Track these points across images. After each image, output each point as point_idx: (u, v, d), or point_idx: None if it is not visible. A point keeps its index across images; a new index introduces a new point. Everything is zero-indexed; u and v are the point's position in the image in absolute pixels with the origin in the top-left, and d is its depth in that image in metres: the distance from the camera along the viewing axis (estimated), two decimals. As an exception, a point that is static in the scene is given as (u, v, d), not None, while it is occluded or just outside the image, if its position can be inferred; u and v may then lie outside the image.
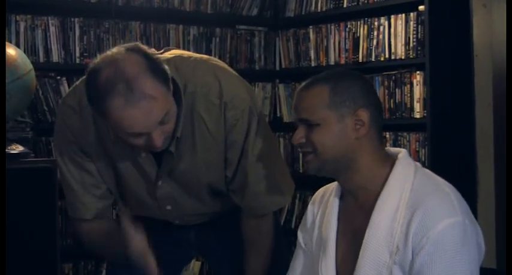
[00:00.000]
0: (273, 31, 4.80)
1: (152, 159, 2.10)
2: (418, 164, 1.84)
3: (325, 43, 4.47)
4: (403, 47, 4.01)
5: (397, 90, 4.05)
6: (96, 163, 2.15)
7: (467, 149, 3.88)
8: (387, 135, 4.05)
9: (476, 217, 1.83)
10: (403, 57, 4.02)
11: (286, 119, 4.74)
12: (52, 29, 3.90)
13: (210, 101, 2.06)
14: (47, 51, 3.90)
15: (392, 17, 4.07)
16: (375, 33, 4.17)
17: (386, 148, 1.86)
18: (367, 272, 1.74)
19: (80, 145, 2.12)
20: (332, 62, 4.42)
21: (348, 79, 1.81)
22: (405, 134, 4.02)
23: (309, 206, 2.01)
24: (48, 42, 3.90)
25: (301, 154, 1.83)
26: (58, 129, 2.16)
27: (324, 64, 4.46)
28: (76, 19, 3.98)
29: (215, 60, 2.18)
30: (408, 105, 4.00)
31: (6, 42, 3.21)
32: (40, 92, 3.80)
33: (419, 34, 3.93)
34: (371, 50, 4.19)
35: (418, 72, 3.95)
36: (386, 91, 4.08)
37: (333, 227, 1.87)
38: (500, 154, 3.73)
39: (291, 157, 4.68)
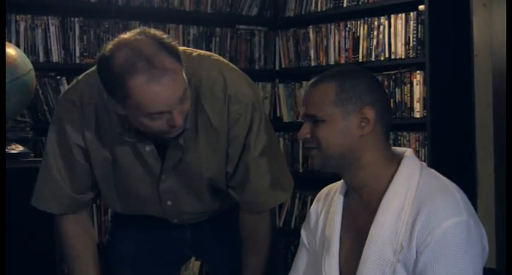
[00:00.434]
0: (273, 31, 4.80)
1: (156, 153, 2.10)
2: (424, 163, 1.85)
3: (325, 43, 4.47)
4: (403, 47, 4.02)
5: (397, 89, 4.05)
6: (94, 159, 2.14)
7: (467, 149, 3.88)
8: (387, 135, 4.04)
9: (476, 216, 1.83)
10: (403, 57, 4.02)
11: (286, 118, 4.75)
12: (52, 28, 3.90)
13: (215, 94, 2.07)
14: (47, 51, 3.90)
15: (392, 17, 4.07)
16: (375, 32, 4.17)
17: (392, 147, 1.87)
18: (370, 270, 1.75)
19: (76, 139, 2.12)
20: (332, 62, 4.43)
21: (355, 77, 1.82)
22: (405, 133, 4.02)
23: (313, 204, 2.02)
24: (48, 42, 3.90)
25: (305, 150, 1.84)
26: (56, 121, 2.16)
27: (324, 64, 4.46)
28: (76, 19, 3.98)
29: (217, 56, 2.20)
30: (408, 105, 4.00)
31: (6, 42, 3.20)
32: (40, 92, 3.80)
33: (419, 34, 3.93)
34: (371, 49, 4.19)
35: (418, 72, 3.95)
36: (386, 91, 4.08)
37: (337, 225, 1.88)
38: (500, 154, 3.73)
39: (291, 156, 4.68)
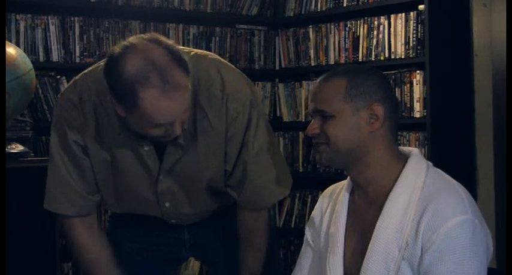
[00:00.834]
0: (273, 30, 4.80)
1: (154, 152, 2.11)
2: (430, 163, 1.86)
3: (325, 42, 4.47)
4: (402, 47, 4.02)
5: (396, 89, 4.04)
6: (93, 158, 2.14)
7: (467, 149, 3.89)
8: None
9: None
10: (402, 57, 4.02)
11: (285, 118, 4.74)
12: (52, 28, 3.90)
13: (213, 94, 2.07)
14: (47, 51, 3.90)
15: (392, 17, 4.07)
16: (375, 32, 4.17)
17: (399, 147, 1.88)
18: (375, 266, 1.75)
19: (78, 139, 2.12)
20: (332, 62, 4.42)
21: (365, 74, 1.84)
22: (405, 133, 4.02)
23: (318, 202, 2.03)
24: (48, 41, 3.89)
25: (313, 146, 1.84)
26: (56, 122, 2.16)
27: (324, 63, 4.46)
28: (76, 18, 3.98)
29: (214, 55, 2.20)
30: (408, 105, 4.00)
31: (6, 42, 3.20)
32: (40, 92, 3.80)
33: (419, 33, 3.93)
34: (371, 49, 4.19)
35: (418, 71, 3.95)
36: (387, 91, 4.08)
37: (342, 222, 1.89)
38: (500, 154, 3.73)
39: (291, 156, 4.68)
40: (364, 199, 1.86)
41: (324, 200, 2.01)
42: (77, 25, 3.98)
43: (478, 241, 1.70)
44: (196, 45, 4.41)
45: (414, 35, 3.95)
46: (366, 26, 4.23)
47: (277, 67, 4.82)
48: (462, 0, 3.86)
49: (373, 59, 4.17)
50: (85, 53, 3.99)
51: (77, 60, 3.97)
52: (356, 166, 1.83)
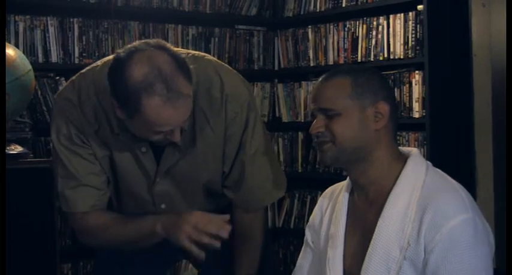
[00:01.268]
0: (272, 31, 4.80)
1: (151, 154, 2.11)
2: (430, 163, 1.87)
3: (324, 43, 4.48)
4: (401, 47, 4.02)
5: (396, 89, 4.04)
6: (96, 155, 2.13)
7: (466, 149, 3.89)
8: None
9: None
10: (401, 57, 4.02)
11: (285, 118, 4.74)
12: (51, 29, 3.90)
13: (212, 95, 2.08)
14: (46, 52, 3.89)
15: (391, 17, 4.07)
16: (374, 32, 4.17)
17: (399, 147, 1.89)
18: (376, 266, 1.76)
19: (80, 136, 2.11)
20: (331, 62, 4.43)
21: (367, 73, 1.85)
22: (404, 133, 4.02)
23: (318, 203, 2.04)
24: (47, 42, 3.89)
25: (317, 144, 1.84)
26: (57, 121, 2.14)
27: (323, 64, 4.47)
28: (75, 19, 3.98)
29: (210, 56, 2.21)
30: (407, 105, 4.00)
31: (6, 43, 3.20)
32: (39, 93, 3.79)
33: (418, 34, 3.93)
34: (370, 49, 4.19)
35: (417, 71, 3.95)
36: (386, 91, 4.08)
37: (341, 223, 1.89)
38: (499, 154, 3.73)
39: (290, 156, 4.68)
40: (364, 199, 1.87)
41: (323, 200, 2.02)
42: (76, 26, 3.98)
43: (480, 238, 1.71)
44: (196, 46, 4.41)
45: (413, 35, 3.95)
46: (364, 26, 4.23)
47: (276, 67, 4.82)
48: (461, 0, 3.86)
49: (372, 59, 4.17)
50: (84, 54, 3.98)
51: (76, 61, 3.96)
52: (358, 165, 1.84)
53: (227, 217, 1.98)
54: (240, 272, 2.27)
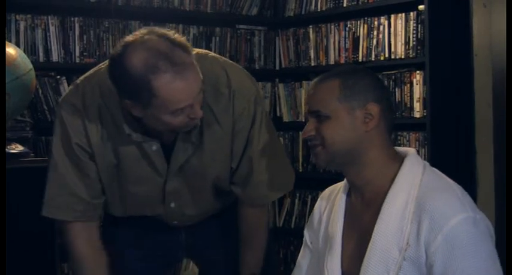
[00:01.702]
0: (273, 30, 4.80)
1: (161, 152, 2.11)
2: (427, 163, 1.86)
3: (325, 42, 4.47)
4: (402, 47, 4.01)
5: (396, 89, 4.04)
6: (99, 162, 2.13)
7: (467, 149, 3.88)
8: (387, 135, 4.04)
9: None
10: (402, 57, 4.02)
11: (286, 118, 4.75)
12: (52, 28, 3.90)
13: (219, 91, 2.09)
14: (47, 51, 3.90)
15: (392, 17, 4.07)
16: (375, 32, 4.17)
17: (395, 147, 1.89)
18: (375, 268, 1.75)
19: (82, 143, 2.10)
20: (332, 62, 4.42)
21: (358, 74, 1.85)
22: (405, 133, 4.02)
23: (317, 203, 2.04)
24: (48, 41, 3.90)
25: (310, 148, 1.85)
26: (59, 126, 2.13)
27: (324, 63, 4.46)
28: (76, 19, 3.98)
29: (213, 53, 2.22)
30: (408, 105, 4.00)
31: (6, 42, 3.20)
32: (40, 92, 3.80)
33: (419, 33, 3.93)
34: (371, 49, 4.19)
35: (417, 71, 3.95)
36: (386, 91, 4.08)
37: (339, 223, 1.89)
38: (500, 154, 3.73)
39: (291, 156, 4.68)
40: (361, 200, 1.87)
41: (322, 201, 2.02)
42: (77, 25, 3.98)
43: (484, 234, 1.71)
44: (197, 46, 4.40)
45: (414, 35, 3.95)
46: (366, 26, 4.23)
47: (277, 67, 4.82)
48: (462, 0, 3.86)
49: (373, 59, 4.17)
50: (85, 53, 3.99)
51: (77, 60, 3.97)
52: (353, 166, 1.84)
53: None
54: (244, 270, 2.27)
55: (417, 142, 3.95)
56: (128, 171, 2.14)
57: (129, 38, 1.91)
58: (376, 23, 4.17)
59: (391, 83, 4.07)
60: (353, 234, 1.86)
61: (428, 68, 3.84)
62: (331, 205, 1.96)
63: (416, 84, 3.95)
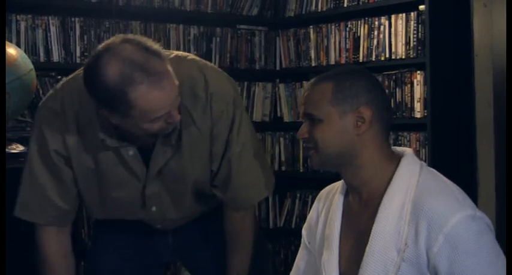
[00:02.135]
0: (274, 31, 4.80)
1: (139, 156, 2.10)
2: (424, 163, 1.86)
3: (326, 43, 4.47)
4: (403, 47, 4.01)
5: (397, 90, 4.04)
6: (77, 167, 2.12)
7: (468, 149, 3.88)
8: (388, 135, 4.04)
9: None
10: (403, 57, 4.02)
11: (286, 118, 4.74)
12: (52, 28, 3.90)
13: (197, 94, 2.08)
14: (48, 51, 3.90)
15: (393, 17, 4.07)
16: (375, 32, 4.17)
17: (392, 147, 1.88)
18: (373, 269, 1.75)
19: (59, 148, 2.10)
20: (332, 62, 4.42)
21: (352, 77, 1.83)
22: (405, 133, 4.02)
23: (314, 204, 2.04)
24: (49, 42, 3.90)
25: (305, 150, 1.85)
26: (37, 131, 2.13)
27: (324, 64, 4.46)
28: (76, 19, 3.98)
29: (193, 55, 2.20)
30: (408, 105, 4.00)
31: (7, 42, 3.20)
32: (41, 92, 3.80)
33: (419, 34, 3.93)
34: (371, 49, 4.19)
35: (418, 72, 3.95)
36: (387, 91, 4.08)
37: (336, 225, 1.88)
38: (501, 154, 3.73)
39: (291, 156, 4.68)
40: (359, 200, 1.86)
41: (319, 201, 2.02)
42: (77, 25, 3.98)
43: (485, 231, 1.71)
44: (197, 46, 4.42)
45: (415, 36, 3.95)
46: (366, 26, 4.23)
47: (277, 67, 4.82)
48: (463, 0, 3.86)
49: (373, 60, 4.17)
50: (85, 54, 3.99)
51: (78, 60, 3.97)
52: (348, 168, 1.84)
53: None
54: (231, 272, 2.27)
55: (418, 142, 3.95)
56: (106, 176, 2.13)
57: (102, 46, 1.89)
58: (376, 23, 4.16)
59: (391, 83, 4.07)
60: (351, 235, 1.85)
61: (428, 68, 3.84)
62: (328, 206, 1.96)
63: (417, 84, 3.95)
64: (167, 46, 4.28)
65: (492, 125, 3.80)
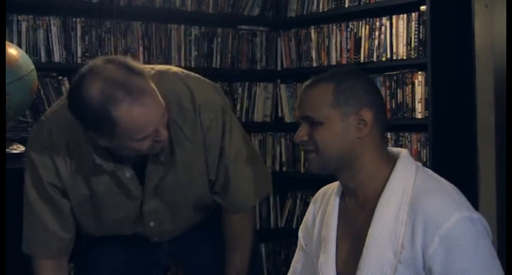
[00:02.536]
0: (275, 31, 4.80)
1: (136, 178, 2.10)
2: (419, 164, 1.85)
3: (327, 43, 4.47)
4: (404, 47, 4.01)
5: (398, 90, 4.04)
6: (72, 196, 2.13)
7: (469, 150, 3.88)
8: (388, 136, 4.04)
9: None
10: (404, 58, 4.02)
11: (287, 119, 4.74)
12: (54, 29, 3.90)
13: (183, 107, 2.07)
14: (49, 52, 3.90)
15: (394, 17, 4.07)
16: (377, 33, 4.17)
17: (388, 148, 1.87)
18: (370, 271, 1.74)
19: (53, 180, 2.10)
20: (333, 62, 4.42)
21: (352, 78, 1.81)
22: (406, 134, 4.01)
23: (310, 205, 2.03)
24: (50, 42, 3.90)
25: (303, 152, 1.84)
26: (29, 166, 2.13)
27: (326, 64, 4.46)
28: (78, 19, 3.98)
29: (175, 68, 2.20)
30: (410, 106, 3.99)
31: (8, 43, 3.20)
32: (42, 92, 3.80)
33: (420, 34, 3.92)
34: (372, 50, 4.19)
35: (419, 72, 3.95)
36: (388, 91, 4.08)
37: (333, 226, 1.87)
38: (502, 154, 3.73)
39: (292, 157, 4.68)
40: (355, 202, 1.85)
41: (315, 203, 2.01)
42: (78, 26, 3.98)
43: (481, 233, 1.70)
44: (198, 46, 4.42)
45: (416, 36, 3.95)
46: (367, 26, 4.22)
47: (279, 68, 4.82)
48: (464, 1, 3.86)
49: (374, 60, 4.17)
50: (87, 54, 3.99)
51: (79, 61, 3.97)
52: (346, 171, 1.82)
53: None
54: (231, 272, 2.27)
55: (419, 143, 3.95)
56: (102, 200, 2.13)
57: (85, 68, 1.90)
58: (377, 23, 4.16)
59: (392, 84, 4.07)
60: (347, 236, 1.84)
61: (430, 68, 3.84)
62: (324, 207, 1.94)
63: (418, 85, 3.94)
64: (168, 46, 4.29)
65: (493, 126, 3.80)
